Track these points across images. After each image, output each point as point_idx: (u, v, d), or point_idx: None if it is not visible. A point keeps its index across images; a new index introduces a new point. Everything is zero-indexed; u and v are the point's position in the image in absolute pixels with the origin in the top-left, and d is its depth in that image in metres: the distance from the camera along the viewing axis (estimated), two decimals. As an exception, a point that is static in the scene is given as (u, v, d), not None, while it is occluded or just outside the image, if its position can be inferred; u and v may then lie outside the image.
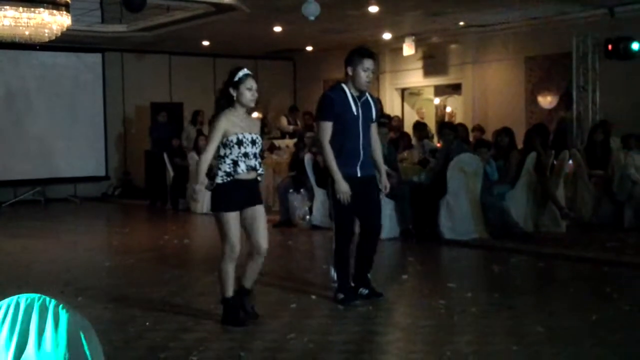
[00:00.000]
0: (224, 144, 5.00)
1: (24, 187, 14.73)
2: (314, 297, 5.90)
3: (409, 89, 16.07)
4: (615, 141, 10.20)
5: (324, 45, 15.81)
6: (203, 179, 5.08)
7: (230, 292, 5.14)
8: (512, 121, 11.32)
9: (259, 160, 5.14)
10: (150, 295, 6.17)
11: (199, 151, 12.67)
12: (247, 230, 5.18)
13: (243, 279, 5.24)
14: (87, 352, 1.32)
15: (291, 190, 10.49)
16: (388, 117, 12.42)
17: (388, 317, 5.55)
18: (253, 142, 5.05)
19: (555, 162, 9.58)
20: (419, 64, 15.17)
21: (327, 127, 5.55)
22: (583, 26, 12.06)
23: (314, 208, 10.11)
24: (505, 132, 9.72)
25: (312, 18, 9.90)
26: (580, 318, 5.13)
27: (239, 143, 4.98)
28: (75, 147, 15.06)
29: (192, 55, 16.51)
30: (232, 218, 5.05)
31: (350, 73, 5.64)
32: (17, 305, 1.32)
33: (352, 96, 5.62)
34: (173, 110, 15.22)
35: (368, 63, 5.60)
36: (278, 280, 6.50)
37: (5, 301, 1.46)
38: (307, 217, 10.11)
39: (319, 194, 10.10)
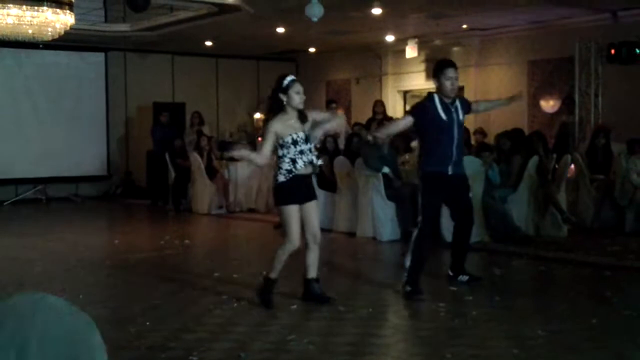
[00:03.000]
0: (281, 145, 5.53)
1: (25, 185, 14.75)
2: (314, 298, 5.89)
3: (412, 91, 16.06)
4: (616, 146, 10.19)
5: (327, 47, 15.83)
6: (248, 154, 5.90)
7: (275, 274, 5.65)
8: (514, 125, 11.28)
9: (315, 153, 5.66)
10: (150, 295, 6.17)
11: (201, 152, 12.73)
12: (303, 222, 5.63)
13: (307, 271, 5.72)
14: (89, 350, 1.32)
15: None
16: (390, 119, 12.41)
17: (388, 320, 5.56)
18: (306, 140, 5.56)
19: (557, 166, 9.57)
20: (422, 66, 15.17)
21: (406, 119, 6.34)
22: (586, 31, 12.06)
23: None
24: (507, 136, 9.72)
25: (315, 19, 9.89)
26: (581, 322, 5.13)
27: (294, 143, 5.51)
28: (77, 147, 15.08)
29: (195, 56, 16.52)
30: (294, 211, 5.56)
31: (436, 84, 6.22)
32: (19, 303, 1.32)
33: (443, 103, 6.11)
34: (175, 110, 15.23)
35: (451, 72, 6.12)
36: (279, 282, 6.49)
37: (6, 299, 1.46)
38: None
39: (321, 195, 10.10)
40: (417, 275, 6.02)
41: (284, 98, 5.57)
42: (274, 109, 5.62)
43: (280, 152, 5.55)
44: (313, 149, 5.63)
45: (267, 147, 5.51)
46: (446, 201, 6.38)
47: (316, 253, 5.74)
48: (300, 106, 5.62)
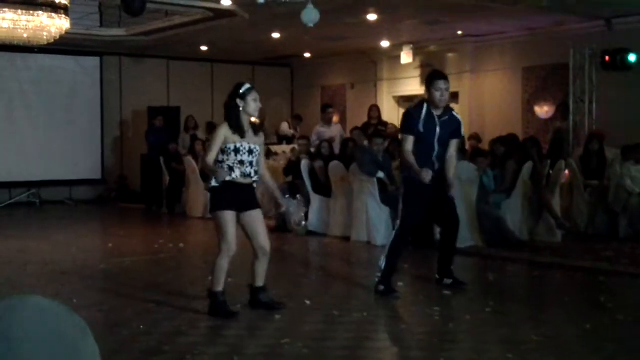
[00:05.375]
0: (222, 150, 5.39)
1: (19, 189, 14.72)
2: (308, 302, 5.90)
3: (406, 97, 16.09)
4: (610, 151, 10.22)
5: (322, 52, 15.84)
6: (215, 170, 5.45)
7: (220, 286, 5.49)
8: (508, 131, 11.34)
9: (255, 168, 5.48)
10: (144, 298, 6.16)
11: (196, 156, 12.72)
12: (248, 235, 5.56)
13: (254, 280, 5.66)
14: (82, 354, 1.31)
15: (287, 196, 10.47)
16: (385, 124, 12.44)
17: (383, 324, 5.56)
18: (250, 152, 5.41)
19: (551, 172, 9.60)
20: (417, 72, 15.19)
21: (409, 140, 6.24)
22: (580, 37, 12.10)
23: (310, 214, 10.12)
24: (501, 142, 9.74)
25: (310, 25, 9.91)
26: (575, 327, 5.13)
27: (236, 151, 5.38)
28: (72, 150, 15.06)
29: (190, 60, 16.52)
30: (229, 216, 5.40)
31: (426, 94, 6.31)
32: (12, 306, 1.31)
33: (429, 114, 6.19)
34: (170, 114, 15.21)
35: (441, 84, 6.21)
36: (273, 286, 6.48)
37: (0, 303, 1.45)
38: (303, 223, 10.11)
39: (315, 199, 10.12)
40: (391, 275, 6.25)
41: (240, 104, 5.46)
42: (230, 114, 5.50)
43: (220, 157, 5.42)
44: (255, 164, 5.46)
45: (214, 152, 5.41)
46: (428, 205, 6.34)
47: (265, 264, 5.64)
48: (256, 114, 5.56)
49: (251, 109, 5.47)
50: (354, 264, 8.16)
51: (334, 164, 9.83)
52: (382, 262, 6.24)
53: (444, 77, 6.37)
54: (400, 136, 6.43)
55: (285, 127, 15.19)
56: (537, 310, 5.76)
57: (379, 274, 6.24)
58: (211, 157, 5.42)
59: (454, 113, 6.44)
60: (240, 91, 5.49)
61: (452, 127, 6.28)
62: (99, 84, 15.56)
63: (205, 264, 8.14)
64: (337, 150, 10.83)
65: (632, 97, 11.64)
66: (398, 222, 6.32)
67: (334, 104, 15.68)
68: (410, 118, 6.31)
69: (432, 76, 6.40)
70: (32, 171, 14.62)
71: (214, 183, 5.40)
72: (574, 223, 9.66)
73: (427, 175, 6.03)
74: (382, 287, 6.17)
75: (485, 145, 11.22)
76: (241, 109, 5.45)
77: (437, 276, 6.59)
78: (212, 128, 12.83)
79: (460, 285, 6.48)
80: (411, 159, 6.14)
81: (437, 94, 6.17)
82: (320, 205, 10.10)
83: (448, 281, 6.50)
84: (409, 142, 6.21)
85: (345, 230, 9.54)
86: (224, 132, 5.41)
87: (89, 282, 7.09)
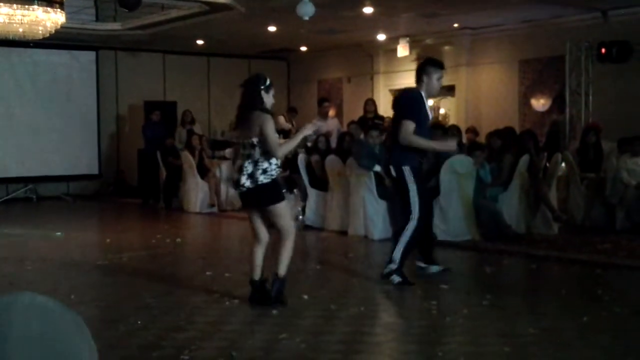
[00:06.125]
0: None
1: (16, 184, 14.69)
2: (306, 297, 5.90)
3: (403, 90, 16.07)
4: (607, 144, 10.22)
5: (319, 46, 15.82)
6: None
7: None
8: (505, 124, 11.34)
9: (248, 165, 5.44)
10: (141, 294, 6.15)
11: (192, 150, 12.71)
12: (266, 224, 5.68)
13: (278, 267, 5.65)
14: (80, 350, 1.31)
15: (284, 190, 10.47)
16: (381, 118, 12.43)
17: (380, 318, 5.56)
18: (251, 146, 5.40)
19: (547, 165, 9.60)
20: (413, 65, 15.12)
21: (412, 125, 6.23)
22: (577, 30, 12.10)
23: (307, 208, 10.11)
24: (498, 135, 9.74)
25: (306, 18, 9.89)
26: (572, 320, 5.14)
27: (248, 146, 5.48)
28: (68, 145, 15.03)
29: (187, 54, 16.50)
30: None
31: (421, 82, 6.32)
32: (8, 304, 1.30)
33: (425, 101, 6.31)
34: (167, 109, 15.18)
35: (440, 73, 6.32)
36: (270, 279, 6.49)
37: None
38: (300, 217, 10.11)
39: (312, 194, 10.11)
40: (403, 266, 6.28)
41: (264, 97, 5.50)
42: (257, 105, 5.47)
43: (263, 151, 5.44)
44: (258, 161, 5.42)
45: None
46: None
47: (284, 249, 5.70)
48: (272, 109, 5.61)
49: (269, 103, 5.51)
50: (351, 258, 8.15)
51: (331, 158, 9.82)
52: (398, 254, 6.20)
53: (443, 66, 6.40)
54: (402, 123, 6.19)
55: (282, 121, 15.16)
56: (534, 303, 5.77)
57: (393, 266, 6.19)
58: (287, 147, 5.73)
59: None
60: (265, 85, 5.52)
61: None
62: (95, 78, 15.52)
63: (203, 259, 8.16)
64: (333, 144, 10.81)
65: (628, 89, 11.65)
66: (416, 212, 6.15)
67: (330, 97, 15.66)
68: (416, 103, 6.25)
69: (433, 64, 6.33)
70: (29, 166, 14.60)
71: (266, 179, 5.38)
72: (571, 216, 9.68)
73: (452, 143, 6.50)
74: (398, 279, 6.18)
75: (482, 139, 11.23)
76: (265, 104, 5.46)
77: (422, 265, 6.71)
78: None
79: (446, 271, 6.69)
80: (421, 140, 6.13)
81: (437, 83, 6.26)
82: (317, 200, 10.10)
83: (436, 268, 6.66)
84: (413, 128, 6.12)
85: (343, 224, 9.54)
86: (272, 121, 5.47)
87: (86, 278, 7.08)
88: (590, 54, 11.79)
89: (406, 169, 6.18)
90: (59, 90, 15.04)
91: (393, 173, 6.31)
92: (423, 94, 6.27)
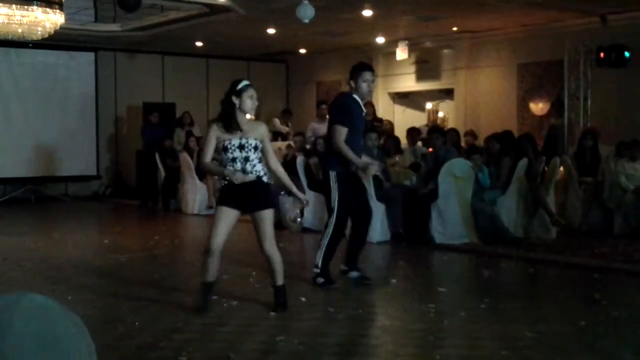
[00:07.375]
0: (216, 150, 5.41)
1: (14, 185, 14.68)
2: (303, 299, 5.90)
3: (402, 93, 16.09)
4: (604, 148, 10.23)
5: (317, 48, 15.84)
6: (221, 171, 5.40)
7: (205, 278, 5.58)
8: (503, 127, 11.34)
9: (254, 163, 5.35)
10: (140, 295, 6.16)
11: (190, 152, 12.71)
12: (258, 237, 5.55)
13: (276, 279, 5.60)
14: (78, 351, 1.31)
15: (282, 193, 10.47)
16: (380, 120, 12.44)
17: (378, 320, 5.57)
18: (241, 147, 5.34)
19: (545, 169, 9.61)
20: (412, 68, 15.21)
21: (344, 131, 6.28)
22: (575, 34, 12.12)
23: (305, 210, 10.09)
24: (497, 138, 9.74)
25: (306, 21, 9.90)
26: (569, 323, 5.15)
27: (225, 149, 5.35)
28: (67, 146, 15.02)
29: (186, 56, 16.50)
30: (219, 211, 5.44)
31: (353, 85, 6.38)
32: (7, 305, 1.30)
33: (359, 104, 6.38)
34: (165, 110, 15.19)
35: (368, 75, 6.35)
36: (268, 282, 6.49)
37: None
38: (298, 219, 10.09)
39: (311, 196, 10.10)
40: (328, 267, 6.35)
41: (236, 102, 5.36)
42: (222, 112, 5.42)
43: (217, 156, 5.50)
44: (253, 159, 5.34)
45: (208, 153, 5.41)
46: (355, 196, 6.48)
47: (275, 266, 5.54)
48: (252, 112, 5.46)
49: (247, 106, 5.38)
50: (349, 261, 8.14)
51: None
52: (319, 260, 6.31)
53: (371, 69, 6.49)
54: (334, 128, 6.26)
55: (277, 123, 15.19)
56: (531, 307, 5.78)
57: (316, 270, 6.33)
58: (205, 158, 5.41)
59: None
60: (237, 88, 5.40)
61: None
62: (94, 79, 15.51)
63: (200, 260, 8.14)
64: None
65: (626, 93, 11.67)
66: (334, 217, 6.26)
67: (329, 99, 15.65)
68: (347, 108, 6.28)
69: (359, 67, 6.39)
70: (27, 167, 14.59)
71: (221, 182, 5.43)
72: (569, 220, 9.68)
73: (374, 167, 6.26)
74: (322, 280, 6.28)
75: (480, 142, 11.23)
76: (237, 106, 5.36)
77: (344, 267, 6.64)
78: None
79: (365, 280, 6.52)
80: (349, 151, 6.13)
81: (365, 85, 6.28)
82: (315, 202, 10.08)
83: (354, 274, 6.55)
84: (345, 134, 6.17)
85: (341, 227, 9.51)
86: (213, 131, 5.38)
87: (84, 279, 7.07)
88: (589, 59, 11.81)
89: (332, 174, 6.28)
90: (58, 91, 15.03)
91: (321, 176, 6.48)
92: (357, 97, 6.32)
